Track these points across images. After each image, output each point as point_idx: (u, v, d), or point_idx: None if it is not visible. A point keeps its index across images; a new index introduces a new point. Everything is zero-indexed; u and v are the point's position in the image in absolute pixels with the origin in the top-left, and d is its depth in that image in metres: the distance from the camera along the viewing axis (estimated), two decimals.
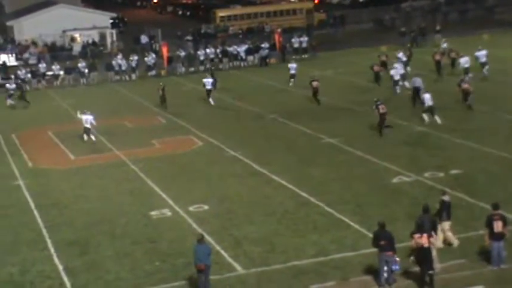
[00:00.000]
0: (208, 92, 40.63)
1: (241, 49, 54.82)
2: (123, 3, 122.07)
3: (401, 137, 31.12)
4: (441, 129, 31.42)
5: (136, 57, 53.10)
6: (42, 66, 52.93)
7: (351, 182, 25.66)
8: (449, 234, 19.48)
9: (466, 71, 40.41)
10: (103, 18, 70.81)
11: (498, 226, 18.19)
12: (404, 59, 44.28)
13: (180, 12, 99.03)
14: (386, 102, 32.48)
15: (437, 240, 18.22)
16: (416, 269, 17.67)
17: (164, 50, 55.07)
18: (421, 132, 31.57)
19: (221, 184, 26.58)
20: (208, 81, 41.08)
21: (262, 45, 55.37)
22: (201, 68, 53.08)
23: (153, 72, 52.00)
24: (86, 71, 51.41)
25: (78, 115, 34.78)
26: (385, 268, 17.58)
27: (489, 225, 18.32)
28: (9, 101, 43.70)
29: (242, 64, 54.45)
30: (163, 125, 37.09)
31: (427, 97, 32.82)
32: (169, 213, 23.87)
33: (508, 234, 18.37)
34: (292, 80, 44.15)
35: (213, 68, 50.96)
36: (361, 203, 23.49)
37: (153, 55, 54.25)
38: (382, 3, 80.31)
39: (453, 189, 23.92)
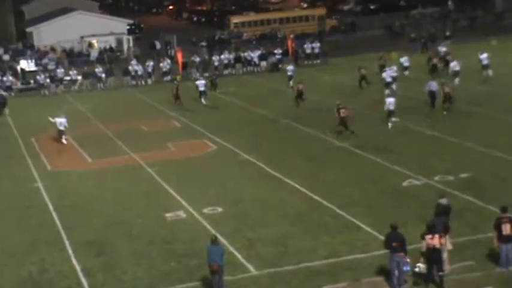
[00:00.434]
0: (201, 92, 41.75)
1: (255, 55, 54.91)
2: (140, 10, 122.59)
3: (411, 141, 31.07)
4: (450, 133, 31.32)
5: (152, 63, 53.27)
6: (60, 71, 53.15)
7: (362, 185, 25.62)
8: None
9: (456, 74, 41.08)
10: (120, 25, 71.05)
11: (506, 229, 18.12)
12: (406, 64, 45.54)
13: (195, 19, 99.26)
14: (398, 109, 32.42)
15: (448, 242, 18.15)
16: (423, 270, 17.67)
17: (179, 56, 55.20)
18: (431, 136, 31.49)
19: (235, 187, 26.60)
20: (201, 82, 42.34)
21: (275, 51, 55.47)
22: (216, 73, 53.12)
23: (169, 78, 52.14)
24: (103, 76, 51.58)
25: (51, 119, 35.36)
26: (397, 269, 17.58)
27: (498, 227, 18.26)
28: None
29: (255, 69, 54.51)
30: (179, 128, 37.16)
31: (390, 101, 33.35)
32: (184, 215, 23.90)
33: None
34: (290, 81, 44.90)
35: (217, 72, 51.03)
36: (372, 206, 23.46)
37: (169, 61, 54.37)
38: (392, 10, 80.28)
39: (462, 192, 23.90)
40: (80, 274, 19.83)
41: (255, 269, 19.39)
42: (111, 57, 62.70)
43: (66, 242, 22.19)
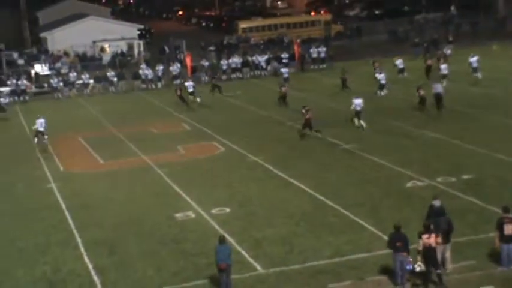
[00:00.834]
0: (191, 93, 43.14)
1: (262, 59, 54.95)
2: (150, 15, 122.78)
3: (414, 143, 31.04)
4: (452, 135, 31.28)
5: (162, 67, 53.33)
6: (72, 75, 53.30)
7: (366, 186, 25.61)
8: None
9: (444, 77, 41.69)
10: (131, 30, 71.27)
11: (508, 229, 18.07)
12: (401, 66, 46.80)
13: (204, 24, 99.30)
14: (401, 111, 32.41)
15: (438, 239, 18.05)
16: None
17: (188, 60, 55.25)
18: (434, 138, 31.45)
19: (242, 188, 26.63)
20: (189, 84, 43.83)
21: (282, 55, 55.48)
22: (224, 77, 53.25)
23: (178, 81, 52.20)
24: (115, 79, 51.71)
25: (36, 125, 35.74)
26: (400, 268, 17.62)
27: (500, 227, 18.22)
28: None
29: (263, 73, 54.51)
30: (188, 131, 37.22)
31: (358, 102, 34.05)
32: (193, 215, 23.95)
33: None
34: (286, 83, 45.78)
35: (215, 77, 51.14)
36: (376, 206, 23.45)
37: (178, 65, 54.47)
38: (396, 15, 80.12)
39: (464, 193, 23.87)
40: (92, 272, 19.89)
41: (261, 267, 19.41)
42: (122, 62, 62.82)
43: (79, 241, 22.28)
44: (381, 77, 41.68)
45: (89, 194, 27.35)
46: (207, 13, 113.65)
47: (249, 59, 55.36)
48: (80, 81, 52.32)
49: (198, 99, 42.85)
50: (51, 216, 24.94)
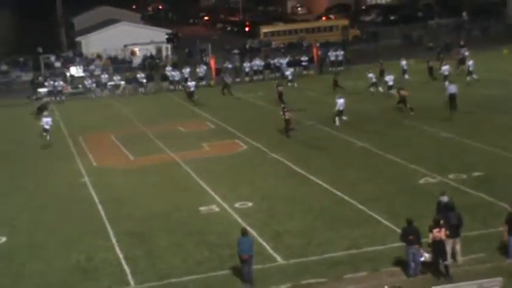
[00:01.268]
0: (191, 92, 45.05)
1: (283, 62, 54.88)
2: (178, 20, 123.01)
3: (427, 141, 30.85)
4: (463, 134, 31.05)
5: (188, 69, 53.45)
6: (104, 76, 53.57)
7: (382, 183, 25.51)
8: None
9: (445, 78, 41.41)
10: (159, 34, 71.54)
11: None
12: (405, 67, 46.84)
13: (228, 29, 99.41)
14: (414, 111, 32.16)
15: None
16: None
17: (212, 63, 55.32)
18: (446, 137, 31.23)
19: (264, 183, 26.63)
20: (191, 84, 45.74)
21: (302, 58, 55.40)
22: (246, 79, 53.27)
23: (204, 82, 52.28)
24: (144, 81, 51.90)
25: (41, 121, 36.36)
26: (413, 260, 17.61)
27: (509, 222, 18.09)
28: None
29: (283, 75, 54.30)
30: (212, 130, 37.28)
31: (340, 102, 34.45)
32: (217, 209, 24.00)
33: None
34: (289, 84, 47.04)
35: (226, 76, 51.33)
36: (391, 202, 23.35)
37: (204, 67, 54.55)
38: (411, 20, 79.65)
39: (475, 189, 23.70)
40: (123, 262, 20.02)
41: (282, 258, 19.42)
42: (151, 64, 63.03)
43: (110, 232, 22.42)
44: (389, 78, 41.63)
45: (120, 188, 27.50)
46: (231, 18, 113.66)
47: (271, 61, 55.33)
48: (112, 83, 52.56)
49: (195, 97, 44.53)
50: (85, 209, 25.12)
